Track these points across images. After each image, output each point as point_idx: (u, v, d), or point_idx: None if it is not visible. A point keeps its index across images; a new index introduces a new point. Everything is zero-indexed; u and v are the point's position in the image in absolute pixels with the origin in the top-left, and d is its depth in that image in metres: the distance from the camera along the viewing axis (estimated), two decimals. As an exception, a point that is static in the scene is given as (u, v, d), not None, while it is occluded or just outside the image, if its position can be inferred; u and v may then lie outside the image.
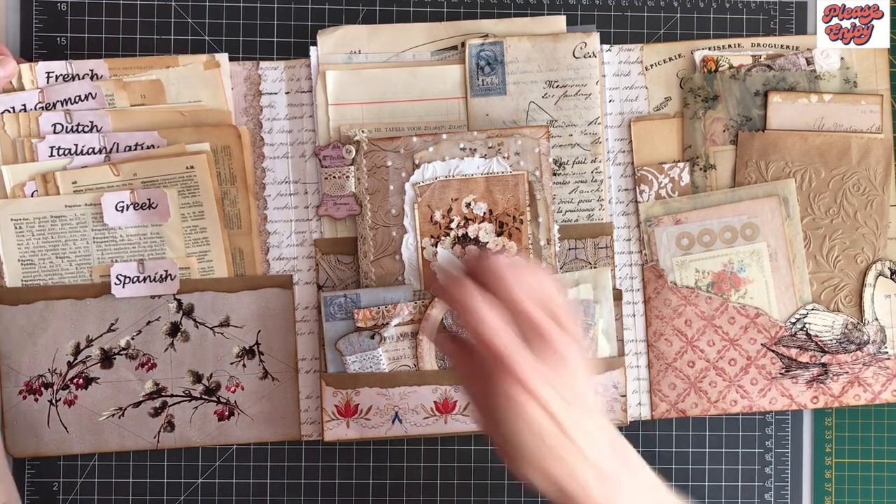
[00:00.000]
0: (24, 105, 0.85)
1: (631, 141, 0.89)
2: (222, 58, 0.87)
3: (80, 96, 0.85)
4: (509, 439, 0.65)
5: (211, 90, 0.87)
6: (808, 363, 0.90)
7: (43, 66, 0.85)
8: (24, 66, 0.85)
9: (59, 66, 0.86)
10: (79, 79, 0.86)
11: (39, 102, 0.85)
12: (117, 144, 0.86)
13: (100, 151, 0.86)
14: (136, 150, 0.86)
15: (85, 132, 0.86)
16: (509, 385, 0.63)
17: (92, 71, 0.86)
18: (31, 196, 0.85)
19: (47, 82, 0.85)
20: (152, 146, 0.86)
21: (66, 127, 0.85)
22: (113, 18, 0.88)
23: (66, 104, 0.85)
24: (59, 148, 0.85)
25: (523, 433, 0.64)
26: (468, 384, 0.70)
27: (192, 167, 0.86)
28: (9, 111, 0.85)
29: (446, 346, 0.71)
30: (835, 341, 0.90)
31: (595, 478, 0.65)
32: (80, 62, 0.86)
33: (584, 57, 0.88)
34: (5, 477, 0.83)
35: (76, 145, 0.85)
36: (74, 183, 0.85)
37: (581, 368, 0.66)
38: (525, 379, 0.63)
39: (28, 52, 0.88)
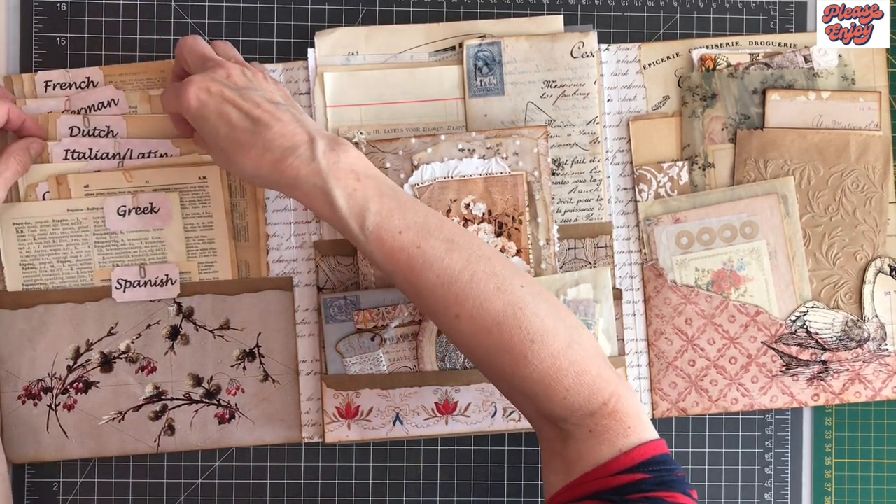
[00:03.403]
0: (49, 111, 0.86)
1: (629, 140, 0.89)
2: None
3: (102, 103, 0.86)
4: (216, 143, 0.73)
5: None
6: (808, 361, 0.90)
7: (42, 76, 0.86)
8: (27, 76, 0.86)
9: (57, 75, 0.86)
10: (76, 87, 0.86)
11: (66, 110, 0.86)
12: (131, 151, 0.86)
13: (114, 157, 0.86)
14: (149, 157, 0.86)
15: (101, 136, 0.86)
16: (196, 96, 0.73)
17: (88, 78, 0.86)
18: (43, 197, 0.85)
19: (45, 91, 0.86)
20: (165, 154, 0.86)
21: (83, 130, 0.85)
22: (113, 19, 0.88)
23: (90, 111, 0.86)
24: (73, 151, 0.85)
25: (220, 129, 0.73)
26: (199, 141, 0.83)
27: (204, 178, 0.86)
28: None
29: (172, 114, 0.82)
30: (835, 338, 0.90)
31: (301, 154, 0.72)
32: (76, 70, 0.86)
33: (582, 56, 0.88)
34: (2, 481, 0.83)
35: (90, 149, 0.86)
36: (86, 186, 0.85)
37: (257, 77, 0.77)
38: (200, 82, 0.73)
39: (28, 53, 0.87)
